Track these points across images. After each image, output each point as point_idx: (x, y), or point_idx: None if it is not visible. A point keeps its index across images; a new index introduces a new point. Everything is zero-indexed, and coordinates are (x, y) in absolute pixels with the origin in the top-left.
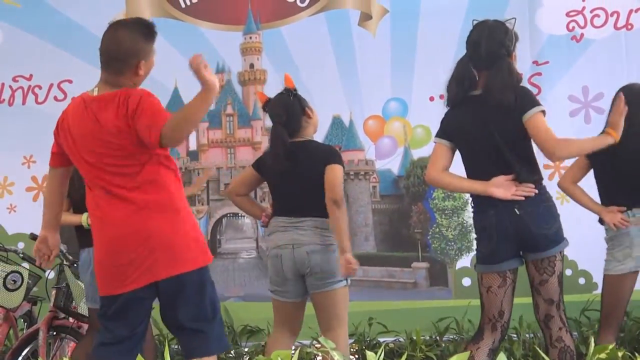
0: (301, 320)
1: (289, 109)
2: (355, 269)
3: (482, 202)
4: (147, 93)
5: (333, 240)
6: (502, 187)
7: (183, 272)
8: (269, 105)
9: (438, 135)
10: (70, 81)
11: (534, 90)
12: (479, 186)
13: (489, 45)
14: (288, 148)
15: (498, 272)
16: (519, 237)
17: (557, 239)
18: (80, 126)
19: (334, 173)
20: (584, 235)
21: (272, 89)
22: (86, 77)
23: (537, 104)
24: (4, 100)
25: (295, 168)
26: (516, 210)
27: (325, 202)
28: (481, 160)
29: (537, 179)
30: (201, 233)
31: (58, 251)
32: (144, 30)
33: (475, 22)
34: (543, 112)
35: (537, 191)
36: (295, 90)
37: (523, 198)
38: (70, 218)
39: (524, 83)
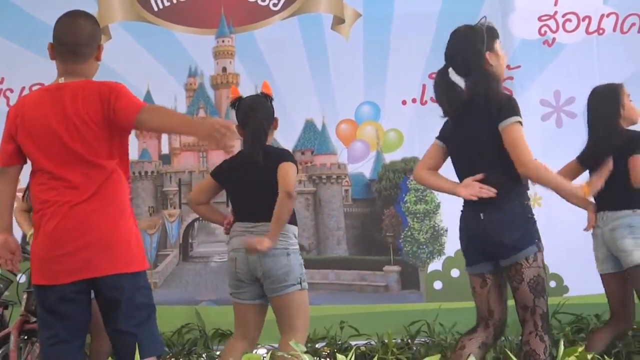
0: (259, 327)
1: (267, 114)
2: (259, 248)
3: (464, 204)
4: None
5: (289, 244)
6: (467, 187)
7: (121, 272)
8: (245, 105)
9: (438, 135)
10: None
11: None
12: (448, 186)
13: (461, 54)
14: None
15: (476, 274)
16: (482, 242)
17: (521, 245)
18: (41, 115)
19: (285, 169)
20: (555, 239)
21: (245, 92)
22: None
23: (514, 113)
24: None
25: (252, 174)
26: (481, 215)
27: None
28: (462, 164)
29: (503, 183)
30: (141, 239)
31: (20, 252)
32: (94, 17)
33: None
34: (520, 122)
35: (493, 193)
36: (272, 97)
37: (475, 198)
38: (22, 223)
39: None
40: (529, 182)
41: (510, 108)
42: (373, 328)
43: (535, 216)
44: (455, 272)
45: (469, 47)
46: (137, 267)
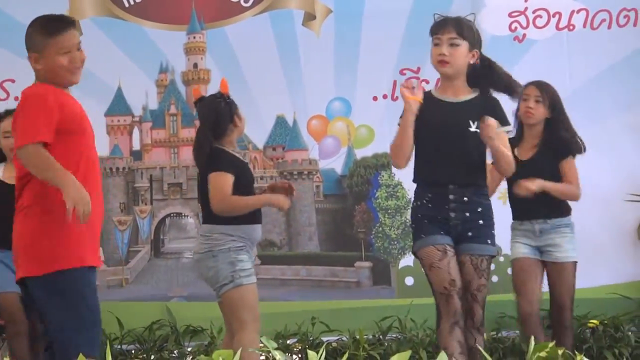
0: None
1: (218, 114)
2: None
3: None
4: (31, 94)
5: (214, 246)
6: None
7: (27, 276)
8: (199, 105)
9: None
10: (12, 80)
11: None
12: None
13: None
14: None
15: None
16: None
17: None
18: None
19: (211, 183)
20: None
21: (216, 88)
22: (28, 76)
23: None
24: None
25: (201, 175)
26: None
27: (207, 210)
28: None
29: None
30: (69, 238)
31: None
32: (44, 23)
33: (437, 17)
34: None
35: None
36: (228, 96)
37: None
38: None
39: None
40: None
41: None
42: (344, 324)
43: (421, 216)
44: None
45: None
46: (39, 271)
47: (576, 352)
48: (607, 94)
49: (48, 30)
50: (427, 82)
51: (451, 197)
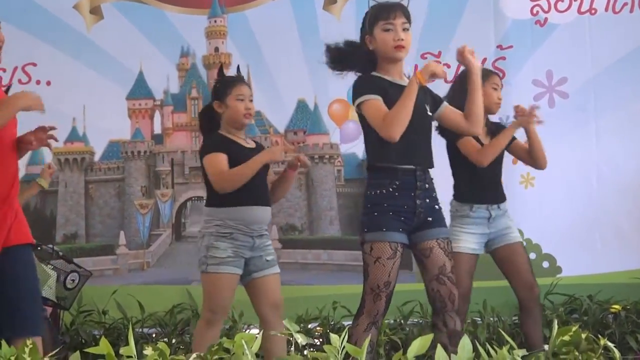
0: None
1: (211, 97)
2: None
3: None
4: None
5: (203, 228)
6: None
7: None
8: None
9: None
10: (34, 64)
11: (499, 75)
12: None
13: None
14: (205, 131)
15: None
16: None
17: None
18: None
19: (205, 166)
20: (548, 219)
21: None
22: (50, 60)
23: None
24: None
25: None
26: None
27: (210, 192)
28: None
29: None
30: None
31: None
32: None
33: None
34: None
35: None
36: (222, 78)
37: None
38: None
39: (488, 66)
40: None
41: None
42: None
43: (384, 205)
44: None
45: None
46: None
47: (599, 336)
48: (630, 78)
49: None
50: (449, 67)
51: (418, 183)
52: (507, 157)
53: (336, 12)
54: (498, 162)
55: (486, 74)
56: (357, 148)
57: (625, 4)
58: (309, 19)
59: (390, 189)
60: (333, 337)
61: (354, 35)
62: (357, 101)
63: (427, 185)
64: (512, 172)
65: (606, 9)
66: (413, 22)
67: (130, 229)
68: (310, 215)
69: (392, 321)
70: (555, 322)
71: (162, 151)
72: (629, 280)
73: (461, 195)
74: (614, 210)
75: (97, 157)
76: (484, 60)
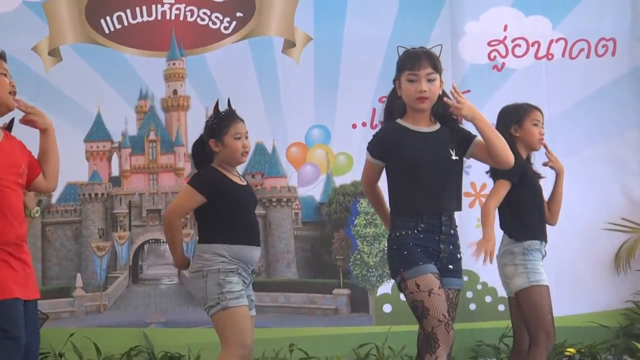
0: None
1: (204, 132)
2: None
3: None
4: None
5: (204, 266)
6: None
7: None
8: None
9: None
10: None
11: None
12: None
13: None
14: (198, 164)
15: None
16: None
17: (392, 277)
18: None
19: (182, 190)
20: None
21: (195, 115)
22: None
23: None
24: None
25: None
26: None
27: (202, 229)
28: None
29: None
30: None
31: None
32: None
33: (399, 48)
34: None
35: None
36: (211, 118)
37: None
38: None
39: None
40: None
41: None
42: (322, 351)
43: (409, 244)
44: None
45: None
46: None
47: None
48: (585, 123)
49: None
50: None
51: (443, 228)
52: (464, 202)
53: (295, 56)
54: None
55: (526, 110)
56: (315, 191)
57: (582, 49)
58: (268, 62)
59: (416, 231)
60: None
61: (312, 79)
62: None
63: (452, 231)
64: (469, 215)
65: (563, 55)
66: (371, 66)
67: (87, 271)
68: (268, 257)
69: None
70: None
71: (119, 193)
72: (584, 324)
73: (533, 233)
74: (569, 254)
75: (54, 199)
76: None
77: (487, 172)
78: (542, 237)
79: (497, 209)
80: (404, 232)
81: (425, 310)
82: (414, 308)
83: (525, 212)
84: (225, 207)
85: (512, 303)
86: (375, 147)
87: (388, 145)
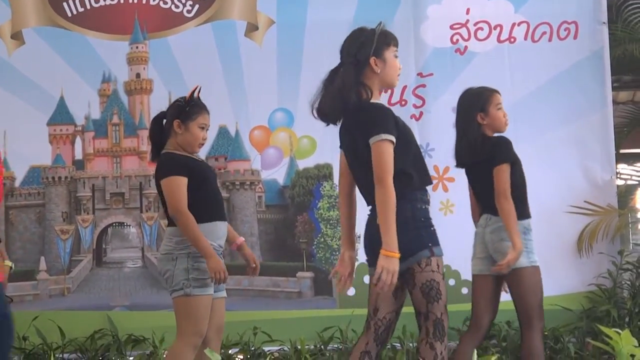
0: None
1: (168, 110)
2: (219, 277)
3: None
4: None
5: (174, 249)
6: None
7: None
8: None
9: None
10: None
11: (418, 102)
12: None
13: (343, 53)
14: (156, 145)
15: (372, 274)
16: (378, 246)
17: (410, 250)
18: None
19: (165, 188)
20: (467, 246)
21: (158, 99)
22: None
23: (381, 130)
24: None
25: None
26: (377, 220)
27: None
28: (356, 172)
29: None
30: None
31: None
32: None
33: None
34: (389, 140)
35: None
36: (182, 100)
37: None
38: None
39: (408, 95)
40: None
41: (378, 123)
42: (286, 334)
43: (431, 220)
44: (367, 279)
45: (350, 47)
46: None
47: None
48: (548, 106)
49: None
50: None
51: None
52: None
53: (257, 39)
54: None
55: (488, 96)
56: (278, 174)
57: (544, 33)
58: (230, 46)
59: (426, 206)
60: None
61: (275, 62)
62: (380, 138)
63: None
64: (432, 199)
65: (525, 38)
66: (334, 49)
67: (51, 255)
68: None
69: (312, 347)
70: (475, 352)
71: (83, 177)
72: (546, 307)
73: (527, 212)
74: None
75: (17, 183)
76: (404, 88)
77: (457, 164)
78: (529, 215)
79: (479, 189)
80: (424, 207)
81: (439, 293)
82: (428, 287)
83: (519, 190)
84: (195, 184)
85: (480, 281)
86: (393, 123)
87: (396, 121)
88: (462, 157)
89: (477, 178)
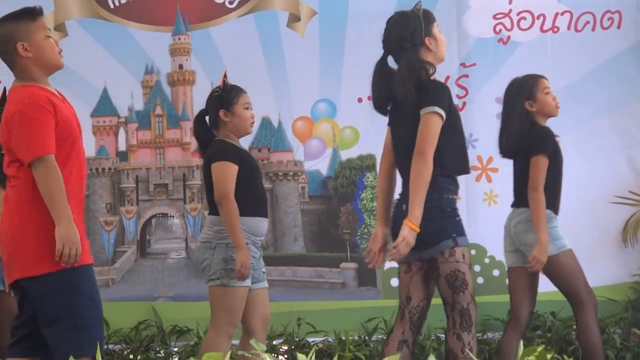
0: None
1: (207, 104)
2: (242, 272)
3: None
4: (26, 107)
5: (213, 238)
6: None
7: (25, 276)
8: None
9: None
10: None
11: (461, 93)
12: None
13: (394, 41)
14: (203, 141)
15: (403, 261)
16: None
17: (434, 239)
18: None
19: (215, 172)
20: None
21: (201, 90)
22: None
23: (434, 102)
24: None
25: (204, 166)
26: (403, 206)
27: (213, 202)
28: (399, 158)
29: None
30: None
31: None
32: (16, 13)
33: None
34: (439, 115)
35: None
36: (218, 89)
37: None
38: None
39: (451, 85)
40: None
41: (432, 96)
42: (330, 325)
43: (458, 211)
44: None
45: (396, 33)
46: (37, 271)
47: (564, 356)
48: (591, 96)
49: (29, 16)
50: None
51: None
52: (471, 175)
53: (300, 29)
54: None
55: (534, 82)
56: (321, 165)
57: (587, 22)
58: (273, 36)
59: (454, 196)
60: (300, 356)
61: (317, 52)
62: (432, 109)
63: None
64: (475, 189)
65: (568, 28)
66: (376, 40)
67: (95, 246)
68: (275, 232)
69: (356, 337)
70: (520, 341)
71: (126, 168)
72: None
73: (554, 204)
74: (576, 227)
75: None
76: (447, 78)
77: (501, 154)
78: (557, 211)
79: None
80: (451, 197)
81: (465, 284)
82: (453, 278)
83: (553, 183)
84: (243, 176)
85: (513, 273)
86: (447, 101)
87: (450, 101)
88: (506, 147)
89: (516, 167)
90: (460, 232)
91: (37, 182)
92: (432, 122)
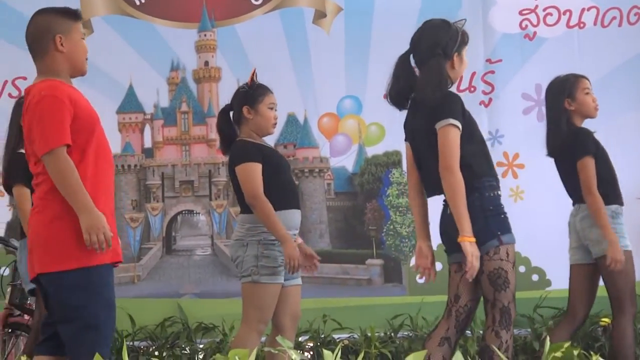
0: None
1: (233, 100)
2: (292, 264)
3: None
4: (47, 96)
5: (246, 235)
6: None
7: (47, 271)
8: None
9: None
10: (24, 78)
11: (487, 89)
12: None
13: (425, 43)
14: (226, 137)
15: (453, 262)
16: (450, 234)
17: (478, 239)
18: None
19: (240, 174)
20: (537, 232)
21: (227, 86)
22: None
23: (448, 115)
24: None
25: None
26: (447, 209)
27: (244, 200)
28: (422, 160)
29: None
30: (80, 237)
31: None
32: (59, 9)
33: (457, 22)
34: (455, 126)
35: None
36: (246, 85)
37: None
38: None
39: (477, 81)
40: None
41: (446, 109)
42: (356, 322)
43: (503, 207)
44: (438, 266)
45: (434, 37)
46: (56, 267)
47: (591, 352)
48: (618, 91)
49: (71, 15)
50: None
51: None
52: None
53: (325, 26)
54: None
55: (575, 81)
56: (347, 161)
57: (614, 18)
58: (298, 33)
59: (499, 193)
60: (326, 353)
61: (342, 49)
62: (448, 122)
63: None
64: (501, 185)
65: (595, 23)
66: (402, 36)
67: (121, 243)
68: (301, 228)
69: (382, 334)
70: (547, 337)
71: (152, 165)
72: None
73: (614, 197)
74: None
75: None
76: (473, 74)
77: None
78: (621, 202)
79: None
80: (494, 194)
81: (507, 282)
82: (495, 275)
83: (607, 178)
84: (269, 171)
85: (576, 271)
86: (461, 110)
87: (464, 109)
88: (552, 147)
89: (562, 169)
90: (505, 229)
91: (51, 176)
92: (450, 134)
